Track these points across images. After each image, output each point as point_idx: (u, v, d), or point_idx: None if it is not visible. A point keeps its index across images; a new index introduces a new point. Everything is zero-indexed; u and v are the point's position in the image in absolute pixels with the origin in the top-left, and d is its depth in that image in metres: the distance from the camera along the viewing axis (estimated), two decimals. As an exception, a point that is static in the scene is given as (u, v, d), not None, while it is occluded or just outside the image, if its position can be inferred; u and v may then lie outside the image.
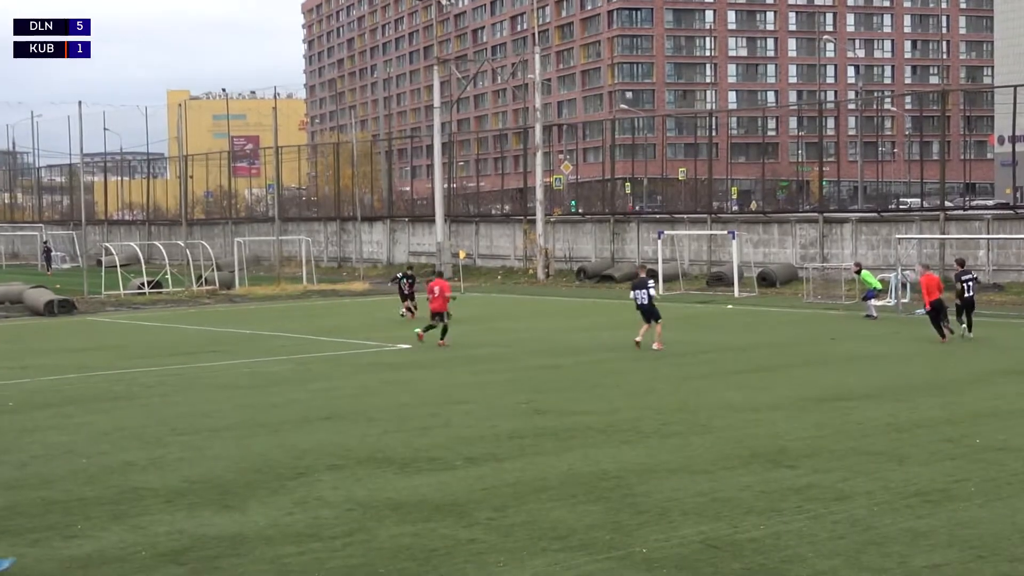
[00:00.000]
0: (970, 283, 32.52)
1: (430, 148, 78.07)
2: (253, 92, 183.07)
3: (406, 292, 41.37)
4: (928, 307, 31.67)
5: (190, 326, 41.48)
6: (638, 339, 30.37)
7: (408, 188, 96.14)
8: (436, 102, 70.34)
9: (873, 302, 39.26)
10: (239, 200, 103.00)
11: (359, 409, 22.10)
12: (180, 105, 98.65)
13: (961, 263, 34.28)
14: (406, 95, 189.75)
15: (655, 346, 30.00)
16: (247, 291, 57.58)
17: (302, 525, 13.81)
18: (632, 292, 31.27)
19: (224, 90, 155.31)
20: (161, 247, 69.23)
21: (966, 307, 32.31)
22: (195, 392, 24.96)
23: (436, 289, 32.96)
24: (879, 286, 40.54)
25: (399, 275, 42.77)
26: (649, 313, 30.60)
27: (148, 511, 14.62)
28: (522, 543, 12.88)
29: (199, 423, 20.87)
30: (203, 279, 59.19)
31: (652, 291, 31.17)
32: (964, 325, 32.23)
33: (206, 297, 55.35)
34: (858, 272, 41.27)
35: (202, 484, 16.04)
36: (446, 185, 72.25)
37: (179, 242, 74.46)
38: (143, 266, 61.09)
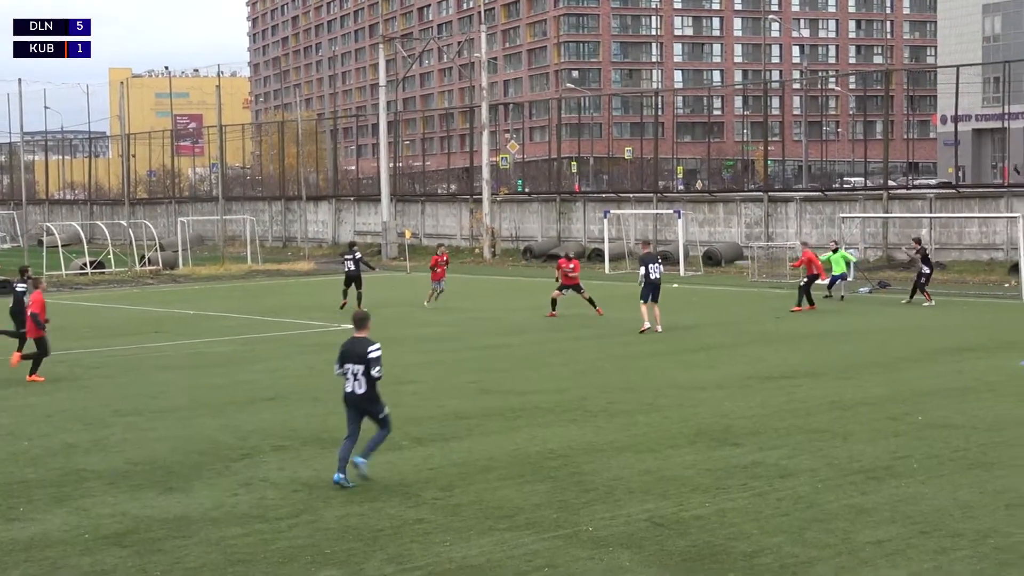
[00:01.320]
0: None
1: (376, 127, 77.85)
2: (196, 70, 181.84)
3: (352, 273, 36.95)
4: (820, 276, 35.77)
5: (133, 307, 41.13)
6: (647, 325, 29.42)
7: (353, 167, 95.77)
8: (382, 80, 70.03)
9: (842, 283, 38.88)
10: (182, 179, 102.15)
11: (305, 389, 22.00)
12: (122, 83, 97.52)
13: (918, 240, 39.04)
14: (351, 73, 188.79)
15: (658, 328, 29.34)
16: (191, 271, 57.18)
17: (247, 506, 13.74)
18: (644, 267, 29.97)
19: (167, 68, 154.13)
20: (103, 227, 68.56)
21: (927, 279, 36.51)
22: (138, 373, 24.75)
23: (572, 265, 34.38)
24: (844, 269, 39.93)
25: (346, 255, 37.90)
26: (657, 290, 29.76)
27: (91, 493, 14.50)
28: (469, 522, 12.88)
29: (143, 404, 20.70)
30: (146, 259, 58.71)
31: (662, 267, 30.60)
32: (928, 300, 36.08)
33: (149, 277, 54.91)
34: (835, 251, 40.39)
35: (146, 466, 15.92)
36: (392, 164, 72.01)
37: (122, 222, 73.82)
38: (85, 246, 60.43)
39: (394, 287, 48.00)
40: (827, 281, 37.62)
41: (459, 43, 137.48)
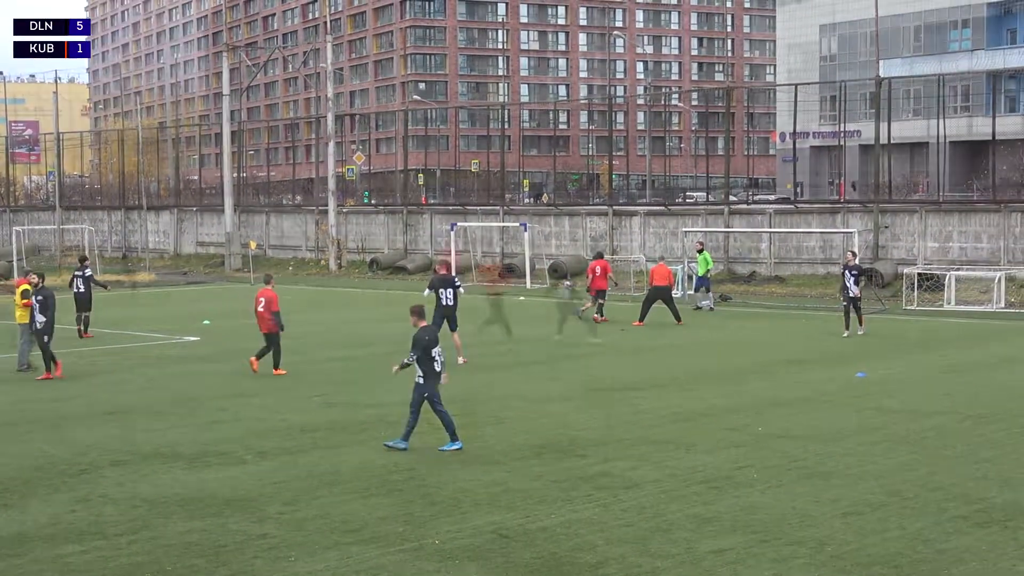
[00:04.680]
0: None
1: (219, 136, 76.76)
2: (33, 75, 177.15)
3: (83, 296, 32.86)
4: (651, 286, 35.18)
5: (-35, 318, 39.82)
6: (462, 359, 25.85)
7: (197, 177, 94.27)
8: (225, 89, 69.19)
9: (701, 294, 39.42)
10: (18, 188, 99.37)
11: (145, 403, 21.58)
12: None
13: (854, 254, 33.78)
14: (194, 81, 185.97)
15: (460, 360, 25.61)
16: (27, 282, 55.61)
17: (85, 523, 13.41)
18: (433, 291, 26.16)
19: (1, 72, 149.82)
20: (-66, 235, 66.42)
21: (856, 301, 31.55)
22: (-29, 387, 24.00)
23: (598, 268, 34.62)
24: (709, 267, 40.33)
25: (76, 272, 34.06)
26: (451, 319, 25.96)
27: (-81, 512, 14.00)
28: (314, 537, 12.76)
29: (-25, 419, 20.07)
30: (-21, 269, 57.04)
31: (462, 290, 26.53)
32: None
33: (-17, 288, 53.29)
34: (700, 251, 40.73)
35: (-22, 482, 15.43)
36: (235, 174, 71.12)
37: (-46, 230, 71.55)
38: (-85, 255, 58.44)
39: (236, 298, 47.33)
40: (691, 290, 38.15)
41: (305, 53, 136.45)
